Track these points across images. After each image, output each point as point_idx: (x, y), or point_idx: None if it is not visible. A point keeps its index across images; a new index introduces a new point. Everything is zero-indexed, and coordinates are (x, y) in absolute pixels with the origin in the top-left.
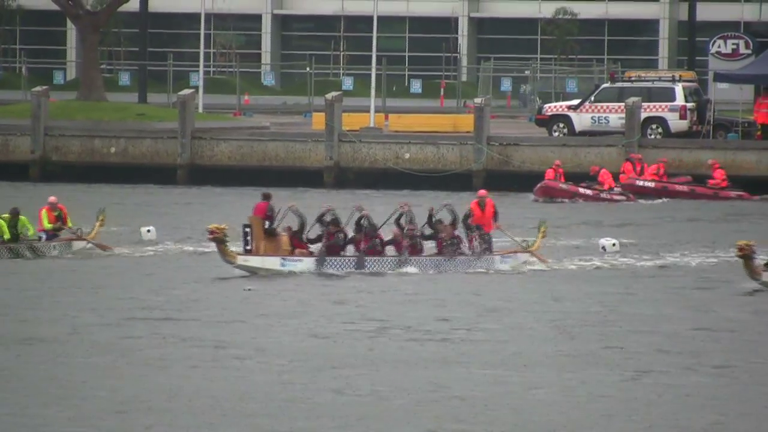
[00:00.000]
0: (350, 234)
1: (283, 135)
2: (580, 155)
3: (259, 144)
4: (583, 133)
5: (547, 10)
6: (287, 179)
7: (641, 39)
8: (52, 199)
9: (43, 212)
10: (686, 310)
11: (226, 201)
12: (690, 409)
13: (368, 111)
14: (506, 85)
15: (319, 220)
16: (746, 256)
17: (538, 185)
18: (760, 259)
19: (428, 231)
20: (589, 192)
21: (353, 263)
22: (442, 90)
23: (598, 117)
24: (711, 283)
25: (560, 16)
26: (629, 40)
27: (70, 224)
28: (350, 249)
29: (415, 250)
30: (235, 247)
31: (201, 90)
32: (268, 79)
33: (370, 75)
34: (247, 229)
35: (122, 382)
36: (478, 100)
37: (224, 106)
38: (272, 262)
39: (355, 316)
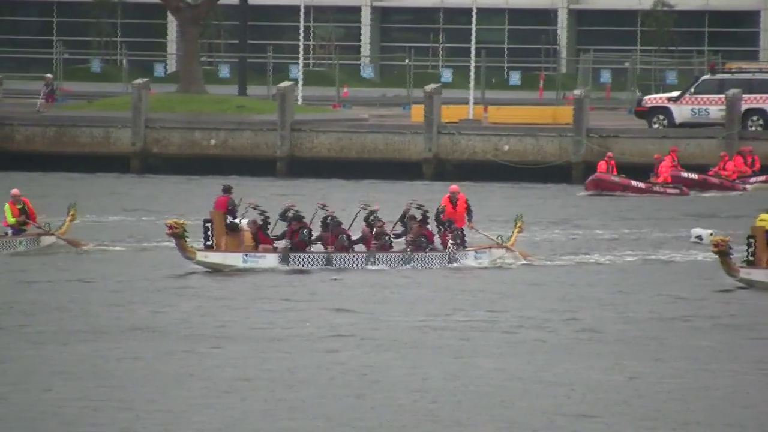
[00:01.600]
0: (315, 231)
1: (382, 127)
2: (680, 147)
3: (358, 136)
4: (683, 125)
5: (646, 2)
6: (386, 171)
7: (742, 30)
8: (14, 191)
9: (6, 206)
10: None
11: (325, 193)
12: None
13: (467, 103)
14: (605, 76)
15: (282, 216)
16: (722, 252)
17: (590, 178)
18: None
19: (400, 229)
20: (641, 185)
21: (321, 260)
22: (541, 82)
23: (698, 109)
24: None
25: (659, 8)
26: (729, 31)
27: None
28: (318, 247)
29: (385, 247)
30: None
31: (300, 82)
32: (367, 72)
33: (469, 67)
34: (208, 224)
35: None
36: (577, 92)
37: (323, 98)
38: (234, 258)
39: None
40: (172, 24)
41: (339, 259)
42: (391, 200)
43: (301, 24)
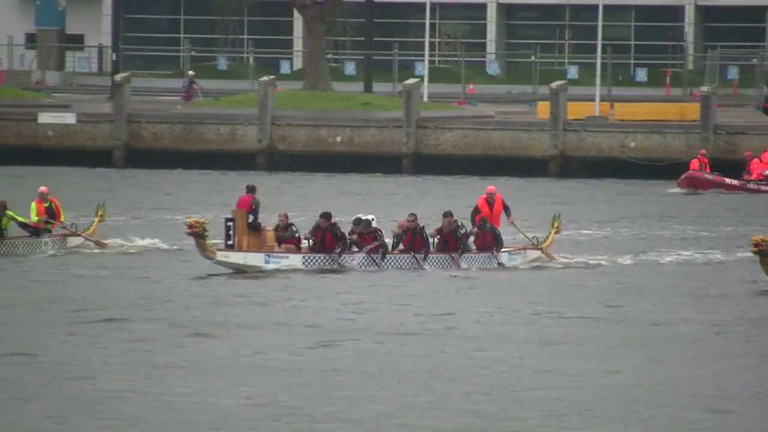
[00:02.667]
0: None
1: (508, 124)
2: None
3: (484, 133)
4: None
5: None
6: (511, 168)
7: None
8: (42, 189)
9: (33, 204)
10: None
11: (450, 190)
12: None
13: (593, 100)
14: (732, 73)
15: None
16: (763, 252)
17: (683, 176)
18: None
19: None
20: (735, 182)
21: (361, 261)
22: (667, 78)
23: None
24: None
25: None
26: None
27: (63, 219)
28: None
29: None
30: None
31: (426, 79)
32: (493, 68)
33: (595, 64)
34: (230, 223)
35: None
36: (704, 89)
37: (449, 95)
38: (256, 259)
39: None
40: (298, 21)
41: (369, 260)
42: (517, 197)
43: (427, 21)
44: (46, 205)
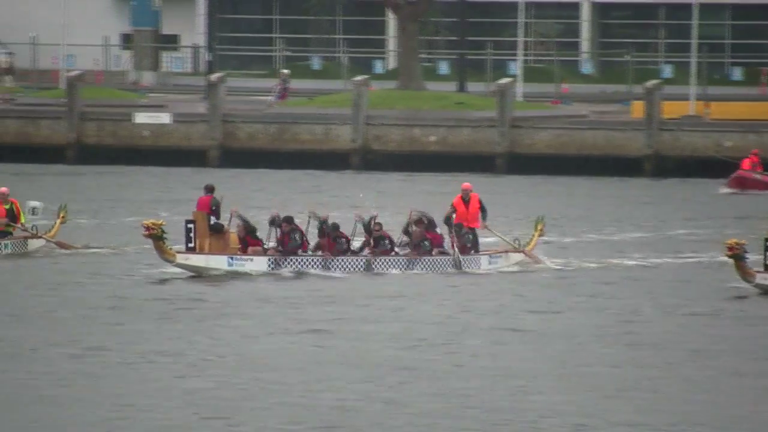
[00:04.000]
0: (312, 238)
1: (602, 123)
2: None
3: (578, 132)
4: None
5: None
6: (605, 168)
7: None
8: (2, 190)
9: None
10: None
11: (545, 190)
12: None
13: (688, 99)
14: None
15: (271, 223)
16: (737, 256)
17: (732, 176)
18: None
19: (405, 239)
20: None
21: (315, 264)
22: (763, 77)
23: None
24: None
25: None
26: None
27: (23, 220)
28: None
29: (385, 252)
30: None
31: (519, 78)
32: (587, 68)
33: (689, 63)
34: (190, 225)
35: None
36: None
37: (543, 94)
38: (218, 261)
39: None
40: (391, 21)
41: (335, 264)
42: (612, 197)
43: (520, 20)
44: (7, 207)
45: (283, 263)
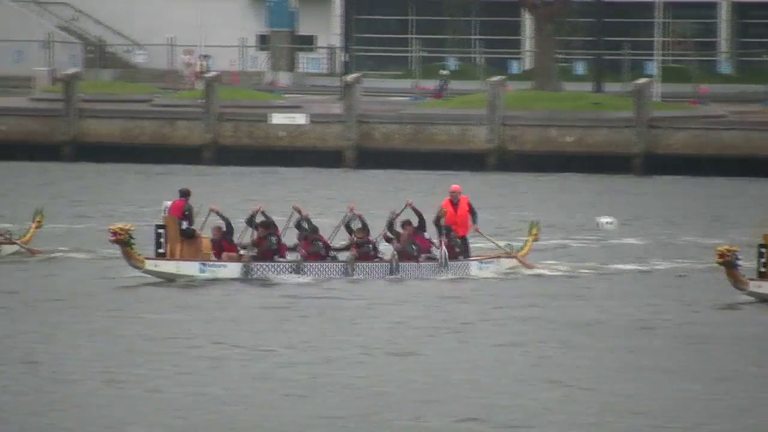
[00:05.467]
0: (290, 237)
1: (741, 123)
2: None
3: (716, 133)
4: None
5: None
6: (745, 168)
7: None
8: None
9: None
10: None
11: (682, 192)
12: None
13: None
14: None
15: (249, 222)
16: (728, 263)
17: None
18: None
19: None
20: None
21: (288, 269)
22: None
23: None
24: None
25: None
26: None
27: None
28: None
29: (367, 257)
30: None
31: (656, 79)
32: (724, 68)
33: None
34: (161, 230)
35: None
36: None
37: (680, 94)
38: (189, 268)
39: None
40: (527, 21)
41: (311, 269)
42: (754, 198)
43: (657, 20)
44: None
45: (257, 270)
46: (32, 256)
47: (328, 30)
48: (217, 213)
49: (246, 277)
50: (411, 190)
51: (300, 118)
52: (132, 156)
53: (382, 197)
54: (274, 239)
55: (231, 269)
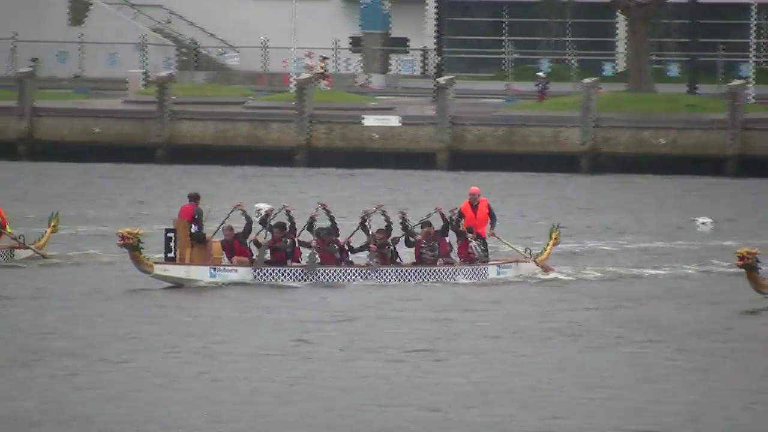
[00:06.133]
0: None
1: None
2: None
3: None
4: None
5: None
6: None
7: None
8: None
9: None
10: None
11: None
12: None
13: None
14: None
15: (262, 222)
16: (749, 266)
17: None
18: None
19: (358, 242)
20: None
21: (300, 275)
22: None
23: None
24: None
25: None
26: None
27: (9, 229)
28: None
29: (385, 260)
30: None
31: (751, 80)
32: None
33: None
34: (170, 235)
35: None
36: None
37: None
38: (199, 272)
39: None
40: (621, 23)
41: (326, 274)
42: None
43: (753, 22)
44: None
45: (270, 274)
46: (46, 260)
47: (422, 32)
48: (242, 211)
49: (257, 282)
50: (501, 192)
51: (393, 120)
52: (225, 158)
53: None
54: (288, 242)
55: (242, 274)
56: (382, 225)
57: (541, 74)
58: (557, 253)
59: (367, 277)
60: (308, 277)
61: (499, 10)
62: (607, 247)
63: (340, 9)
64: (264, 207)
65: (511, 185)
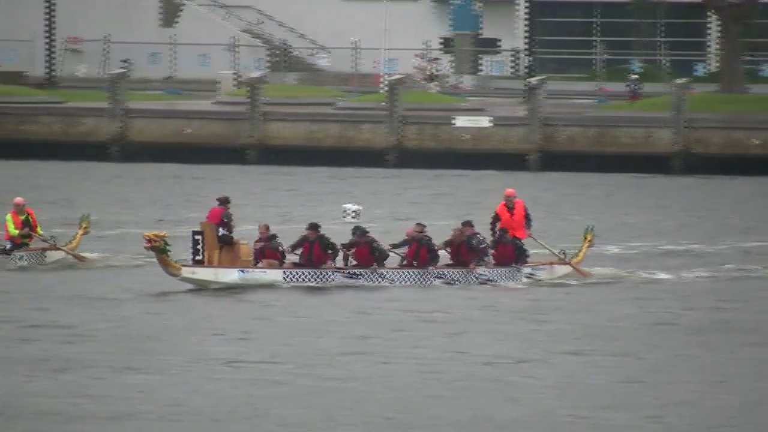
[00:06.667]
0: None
1: None
2: None
3: None
4: None
5: None
6: None
7: None
8: (18, 200)
9: (8, 216)
10: None
11: None
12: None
13: None
14: None
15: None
16: None
17: None
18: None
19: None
20: None
21: (338, 277)
22: None
23: None
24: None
25: None
26: None
27: (39, 231)
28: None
29: (425, 261)
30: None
31: None
32: None
33: None
34: (198, 237)
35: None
36: None
37: None
38: (228, 275)
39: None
40: (713, 23)
41: (361, 276)
42: None
43: None
44: (23, 217)
45: (301, 276)
46: (80, 262)
47: (512, 33)
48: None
49: (288, 284)
50: (590, 194)
51: (483, 121)
52: (315, 159)
53: (564, 200)
54: (328, 242)
55: (272, 276)
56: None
57: (633, 75)
58: (665, 253)
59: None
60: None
61: (590, 11)
62: (709, 249)
63: (430, 10)
64: (352, 207)
65: (599, 186)
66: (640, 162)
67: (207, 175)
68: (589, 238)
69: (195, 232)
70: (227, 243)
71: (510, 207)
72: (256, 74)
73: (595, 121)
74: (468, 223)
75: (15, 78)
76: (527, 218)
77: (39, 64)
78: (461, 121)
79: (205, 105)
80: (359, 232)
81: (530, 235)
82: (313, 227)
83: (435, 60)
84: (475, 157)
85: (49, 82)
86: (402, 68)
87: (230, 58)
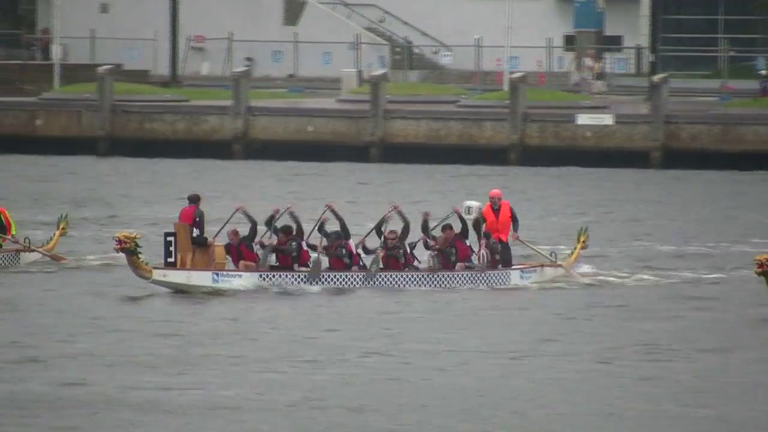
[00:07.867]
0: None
1: None
2: None
3: None
4: None
5: None
6: None
7: None
8: None
9: None
10: None
11: None
12: None
13: None
14: None
15: (268, 224)
16: (767, 273)
17: None
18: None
19: (372, 245)
20: None
21: (304, 277)
22: None
23: None
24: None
25: None
26: None
27: (13, 231)
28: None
29: (397, 264)
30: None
31: None
32: None
33: None
34: (170, 239)
35: None
36: None
37: None
38: (201, 278)
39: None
40: None
41: (332, 279)
42: None
43: None
44: None
45: (276, 279)
46: (58, 263)
47: (636, 30)
48: (245, 213)
49: (263, 288)
50: (713, 192)
51: (606, 119)
52: (438, 157)
53: (686, 200)
54: (294, 245)
55: (246, 279)
56: (399, 226)
57: (763, 72)
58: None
59: (368, 282)
60: (311, 282)
61: (715, 7)
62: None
63: (553, 7)
64: (474, 204)
65: (722, 184)
66: (765, 159)
67: (325, 172)
68: (582, 239)
69: (167, 234)
70: (201, 245)
71: (495, 209)
72: (378, 72)
73: (719, 118)
74: (448, 227)
75: (139, 77)
76: (514, 220)
77: (162, 63)
78: (584, 119)
79: (327, 103)
80: (333, 236)
81: (518, 238)
82: (285, 230)
83: (602, 58)
84: (597, 155)
85: (173, 80)
86: (524, 66)
87: (352, 56)
